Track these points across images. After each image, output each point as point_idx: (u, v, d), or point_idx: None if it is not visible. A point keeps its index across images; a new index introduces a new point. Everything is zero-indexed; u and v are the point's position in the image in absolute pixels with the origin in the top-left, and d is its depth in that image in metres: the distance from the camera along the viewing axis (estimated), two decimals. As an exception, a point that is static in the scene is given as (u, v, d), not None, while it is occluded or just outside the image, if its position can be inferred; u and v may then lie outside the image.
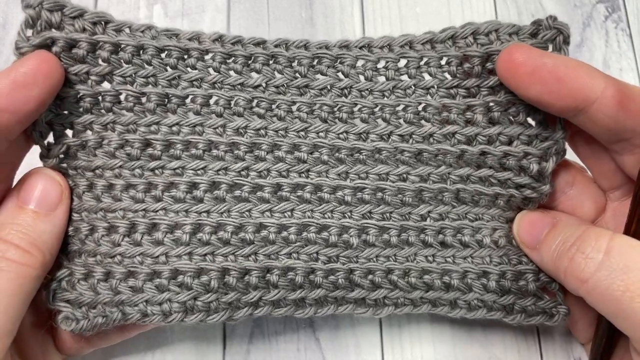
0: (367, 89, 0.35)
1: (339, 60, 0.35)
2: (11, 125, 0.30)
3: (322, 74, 0.35)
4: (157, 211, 0.35)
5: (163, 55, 0.34)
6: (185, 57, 0.34)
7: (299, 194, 0.36)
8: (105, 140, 0.34)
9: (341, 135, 0.35)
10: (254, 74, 0.35)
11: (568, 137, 0.35)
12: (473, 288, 0.36)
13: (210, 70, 0.35)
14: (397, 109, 0.35)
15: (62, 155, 0.35)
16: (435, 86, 0.35)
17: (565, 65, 0.31)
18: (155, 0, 0.49)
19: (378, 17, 0.50)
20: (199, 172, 0.35)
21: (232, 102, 0.35)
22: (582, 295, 0.31)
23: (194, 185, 0.35)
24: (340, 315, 0.42)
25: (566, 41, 0.33)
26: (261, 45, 0.35)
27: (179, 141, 0.35)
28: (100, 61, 0.34)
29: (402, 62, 0.36)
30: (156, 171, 0.35)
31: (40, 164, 0.35)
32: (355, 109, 0.35)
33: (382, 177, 0.36)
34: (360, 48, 0.35)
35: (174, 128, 0.35)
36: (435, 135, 0.35)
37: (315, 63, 0.35)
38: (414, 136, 0.35)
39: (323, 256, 0.36)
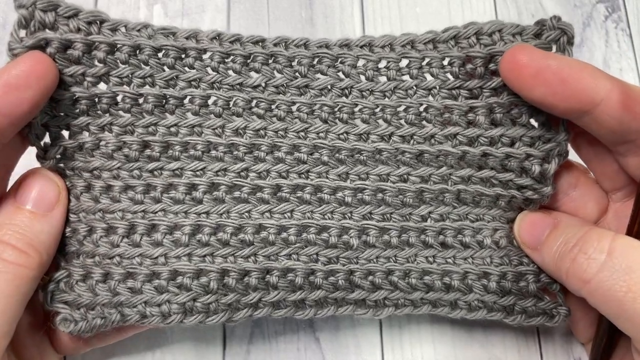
0: (368, 89, 0.35)
1: (339, 60, 0.35)
2: (4, 128, 0.30)
3: (322, 73, 0.35)
4: (157, 212, 0.35)
5: (160, 55, 0.34)
6: (183, 56, 0.34)
7: (298, 194, 0.36)
8: (102, 141, 0.34)
9: (341, 136, 0.35)
10: (253, 74, 0.35)
11: (571, 139, 0.35)
12: (473, 289, 0.36)
13: (209, 69, 0.34)
14: (399, 109, 0.35)
15: (59, 156, 0.34)
16: (437, 87, 0.35)
17: (570, 67, 0.31)
18: (155, 0, 0.49)
19: (378, 17, 0.50)
20: (198, 173, 0.35)
21: (231, 103, 0.35)
22: (584, 295, 0.31)
23: (193, 187, 0.35)
24: (340, 316, 0.42)
25: (570, 42, 0.33)
26: (260, 44, 0.35)
27: (178, 142, 0.34)
28: (96, 62, 0.33)
29: (404, 62, 0.35)
30: (155, 172, 0.35)
31: (37, 164, 0.35)
32: (356, 109, 0.35)
33: (382, 177, 0.36)
34: (361, 47, 0.35)
35: (172, 129, 0.34)
36: (436, 136, 0.35)
37: (315, 62, 0.35)
38: (415, 137, 0.35)
39: (323, 257, 0.36)
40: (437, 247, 0.37)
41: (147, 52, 0.34)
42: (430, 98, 0.35)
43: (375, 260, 0.36)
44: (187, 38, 0.34)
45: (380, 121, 0.35)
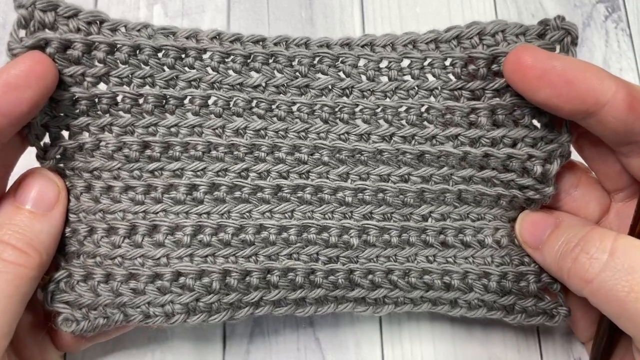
0: (369, 89, 0.35)
1: (340, 60, 0.35)
2: (3, 128, 0.30)
3: (323, 73, 0.35)
4: (157, 213, 0.35)
5: (160, 55, 0.34)
6: (183, 56, 0.34)
7: (299, 195, 0.35)
8: (102, 142, 0.34)
9: (342, 136, 0.35)
10: (253, 74, 0.35)
11: (573, 140, 0.35)
12: (474, 288, 0.36)
13: (209, 69, 0.34)
14: (400, 110, 0.35)
15: (59, 157, 0.34)
16: (439, 87, 0.34)
17: (575, 68, 0.30)
18: (155, 0, 0.49)
19: (378, 17, 0.50)
20: (198, 173, 0.35)
21: (232, 103, 0.35)
22: (585, 295, 0.31)
23: (193, 187, 0.35)
24: (340, 315, 0.42)
25: (574, 42, 0.33)
26: (260, 43, 0.35)
27: (178, 143, 0.34)
28: (96, 62, 0.33)
29: (405, 62, 0.35)
30: (155, 173, 0.35)
31: (37, 164, 0.35)
32: (357, 109, 0.35)
33: (383, 178, 0.36)
34: (363, 46, 0.35)
35: (173, 129, 0.34)
36: (438, 137, 0.35)
37: (316, 62, 0.35)
38: (416, 137, 0.35)
39: (323, 257, 0.36)
40: (438, 246, 0.37)
41: (147, 52, 0.33)
42: (432, 99, 0.35)
43: (375, 259, 0.36)
44: (187, 38, 0.34)
45: (381, 121, 0.35)
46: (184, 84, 0.34)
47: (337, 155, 0.35)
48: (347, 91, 0.35)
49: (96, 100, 0.34)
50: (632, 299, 0.29)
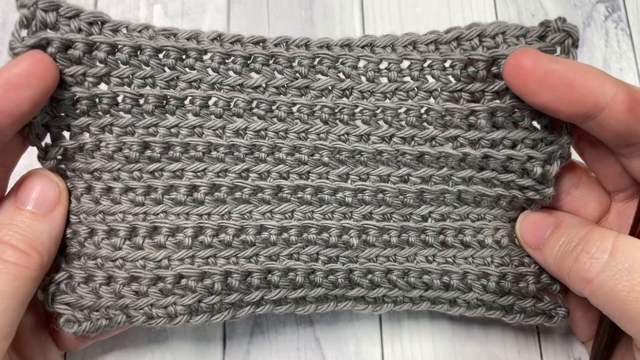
0: (369, 91, 0.35)
1: (340, 61, 0.35)
2: (4, 127, 0.30)
3: (323, 74, 0.35)
4: (158, 214, 0.35)
5: (161, 55, 0.34)
6: (184, 57, 0.34)
7: (299, 195, 0.36)
8: (102, 142, 0.34)
9: (342, 137, 0.35)
10: (253, 74, 0.35)
11: (574, 142, 0.35)
12: (473, 288, 0.36)
13: (209, 70, 0.34)
14: (399, 111, 0.35)
15: (59, 157, 0.34)
16: (439, 89, 0.34)
17: (575, 71, 0.30)
18: (155, 0, 0.49)
19: (378, 17, 0.50)
20: (199, 174, 0.35)
21: (232, 103, 0.35)
22: (586, 295, 0.31)
23: (194, 188, 0.35)
24: (340, 315, 0.42)
25: (575, 44, 0.32)
26: (261, 44, 0.35)
27: (178, 143, 0.34)
28: (96, 62, 0.33)
29: (405, 64, 0.35)
30: (155, 174, 0.35)
31: (38, 165, 0.35)
32: (357, 110, 0.35)
33: (383, 178, 0.36)
34: (363, 47, 0.35)
35: (173, 130, 0.34)
36: (437, 138, 0.35)
37: (316, 63, 0.35)
38: (415, 139, 0.35)
39: (323, 257, 0.36)
40: (437, 246, 0.37)
41: (148, 53, 0.33)
42: (432, 100, 0.35)
43: (374, 259, 0.36)
44: (187, 39, 0.34)
45: (381, 122, 0.35)
46: (185, 84, 0.34)
47: (337, 155, 0.35)
48: (347, 92, 0.35)
49: (97, 100, 0.34)
50: (632, 299, 0.29)
